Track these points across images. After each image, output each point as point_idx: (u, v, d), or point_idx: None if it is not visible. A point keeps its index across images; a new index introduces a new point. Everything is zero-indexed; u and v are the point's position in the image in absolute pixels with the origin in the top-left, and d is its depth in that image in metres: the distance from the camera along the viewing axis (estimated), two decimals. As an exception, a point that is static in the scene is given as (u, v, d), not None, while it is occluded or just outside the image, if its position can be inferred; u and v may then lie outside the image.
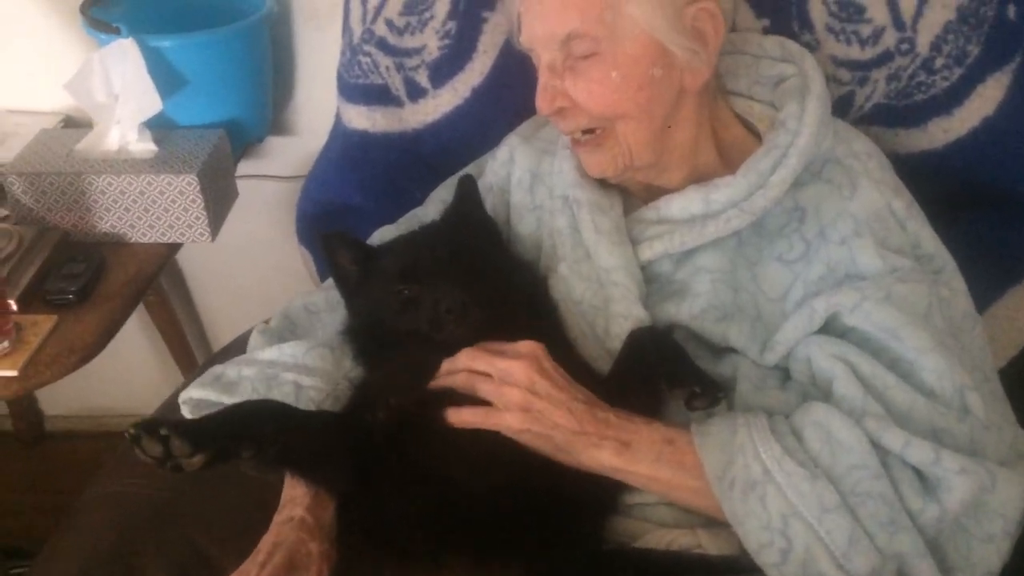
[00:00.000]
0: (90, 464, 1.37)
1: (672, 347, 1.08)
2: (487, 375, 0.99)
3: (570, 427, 0.98)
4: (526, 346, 1.00)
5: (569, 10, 1.05)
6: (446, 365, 1.01)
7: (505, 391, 0.98)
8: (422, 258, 1.08)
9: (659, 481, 0.99)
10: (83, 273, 1.43)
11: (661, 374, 1.04)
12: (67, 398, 2.19)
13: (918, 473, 0.94)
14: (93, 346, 1.35)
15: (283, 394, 1.08)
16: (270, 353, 1.13)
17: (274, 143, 1.81)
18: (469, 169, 1.34)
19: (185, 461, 0.86)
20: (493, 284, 1.06)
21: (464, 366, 1.00)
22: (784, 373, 1.08)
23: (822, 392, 1.02)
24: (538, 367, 0.99)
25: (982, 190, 1.31)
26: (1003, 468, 0.94)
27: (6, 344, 1.28)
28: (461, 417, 0.98)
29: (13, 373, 1.26)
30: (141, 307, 1.84)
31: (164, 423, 0.86)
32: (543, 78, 1.10)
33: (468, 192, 1.21)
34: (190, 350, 2.00)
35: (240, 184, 1.70)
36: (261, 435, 0.93)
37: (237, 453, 0.91)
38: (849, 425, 0.95)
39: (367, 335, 1.11)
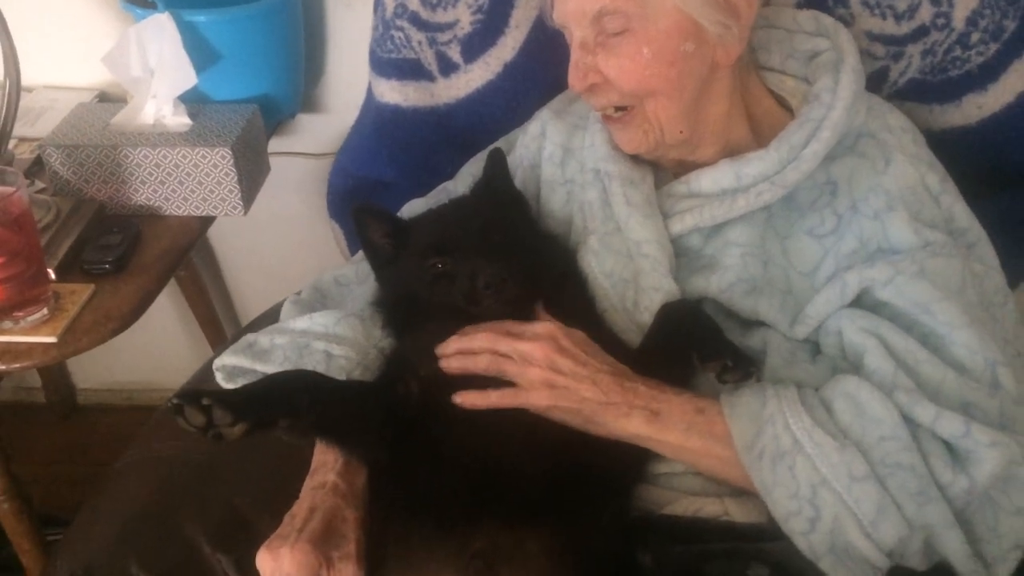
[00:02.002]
0: (121, 436, 1.39)
1: (704, 320, 1.08)
2: (508, 357, 1.00)
3: (597, 399, 0.99)
4: (542, 327, 1.02)
5: None
6: (458, 343, 1.02)
7: (528, 371, 0.99)
8: (455, 232, 1.09)
9: (689, 450, 1.00)
10: (119, 244, 1.45)
11: (693, 347, 1.04)
12: (99, 372, 2.22)
13: (948, 446, 0.94)
14: (129, 315, 1.37)
15: (314, 362, 1.09)
16: (302, 322, 1.15)
17: (305, 120, 1.82)
18: (499, 144, 1.34)
19: (227, 430, 0.88)
20: (525, 258, 1.07)
21: (484, 348, 1.01)
22: (814, 347, 1.08)
23: (853, 365, 1.02)
24: (556, 346, 1.00)
25: (1015, 168, 1.29)
26: None
27: (45, 312, 1.30)
28: (488, 399, 0.99)
29: (52, 340, 1.28)
30: (172, 282, 1.86)
31: (206, 393, 0.87)
32: (575, 55, 1.11)
33: (498, 166, 1.21)
34: (219, 325, 2.02)
35: (272, 160, 1.71)
36: (298, 405, 0.94)
37: (275, 422, 0.93)
38: (880, 397, 0.95)
39: (397, 307, 1.12)
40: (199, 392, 0.87)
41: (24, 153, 1.64)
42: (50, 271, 1.35)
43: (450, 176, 1.37)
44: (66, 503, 1.42)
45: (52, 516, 1.64)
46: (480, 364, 1.01)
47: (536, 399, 0.99)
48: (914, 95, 1.28)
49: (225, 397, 0.88)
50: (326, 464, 1.03)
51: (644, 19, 1.06)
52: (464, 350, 1.02)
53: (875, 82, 1.27)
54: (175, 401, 0.87)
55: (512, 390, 1.00)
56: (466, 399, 0.99)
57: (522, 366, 1.00)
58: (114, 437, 1.53)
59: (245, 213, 1.57)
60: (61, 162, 1.51)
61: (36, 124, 1.69)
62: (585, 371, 1.00)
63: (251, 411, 0.89)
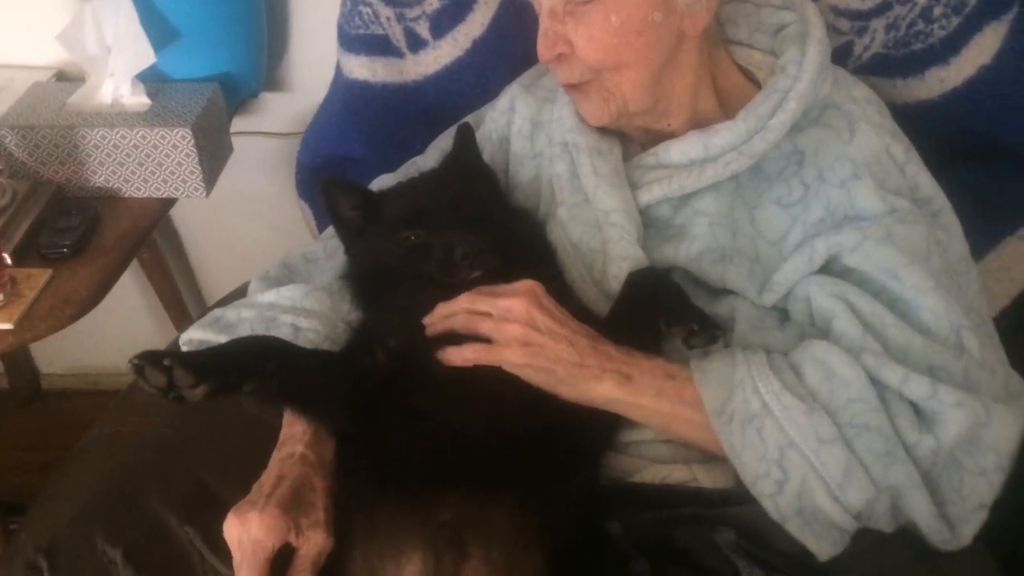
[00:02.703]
0: (86, 421, 1.37)
1: (671, 287, 1.08)
2: (487, 315, 1.00)
3: (571, 360, 0.99)
4: (524, 284, 1.01)
5: None
6: (442, 309, 1.01)
7: (505, 327, 0.98)
8: (427, 204, 1.08)
9: (659, 413, 1.00)
10: (77, 227, 1.43)
11: (660, 313, 1.04)
12: (63, 356, 2.19)
13: (915, 407, 0.95)
14: (88, 300, 1.36)
15: (281, 336, 1.08)
16: (269, 296, 1.14)
17: (269, 99, 1.80)
18: (468, 119, 1.33)
19: (188, 391, 0.87)
20: (495, 230, 1.06)
21: (463, 308, 1.01)
22: (782, 313, 1.09)
23: (821, 331, 1.03)
24: (537, 303, 1.00)
25: (978, 140, 1.31)
26: (998, 404, 0.96)
27: (0, 297, 1.28)
28: (463, 355, 0.98)
29: (8, 326, 1.26)
30: (136, 264, 1.84)
31: (168, 354, 0.86)
32: (544, 23, 1.10)
33: (466, 140, 1.21)
34: (185, 307, 2.00)
35: (234, 140, 1.69)
36: (262, 369, 0.93)
37: (239, 386, 0.92)
38: (848, 360, 0.96)
39: (367, 280, 1.12)
40: (161, 352, 0.86)
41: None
42: (6, 256, 1.33)
43: (420, 152, 1.36)
44: (32, 491, 1.39)
45: (15, 504, 1.62)
46: (456, 323, 1.00)
47: (511, 355, 0.98)
48: (879, 69, 1.29)
49: (187, 358, 0.87)
50: (294, 436, 1.02)
51: None
52: (446, 312, 1.01)
53: (840, 56, 1.28)
54: (136, 361, 0.85)
55: (487, 345, 0.99)
56: (444, 355, 0.99)
57: (499, 322, 0.99)
58: (79, 422, 1.50)
59: (207, 195, 1.55)
60: (16, 143, 1.48)
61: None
62: (563, 331, 1.00)
63: (214, 373, 0.88)
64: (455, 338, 1.00)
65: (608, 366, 0.99)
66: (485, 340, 0.99)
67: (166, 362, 0.85)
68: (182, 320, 1.96)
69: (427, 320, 1.02)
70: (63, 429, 1.96)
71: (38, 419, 2.16)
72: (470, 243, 1.01)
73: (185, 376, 0.86)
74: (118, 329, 1.99)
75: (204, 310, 2.03)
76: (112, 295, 1.41)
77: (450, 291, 1.02)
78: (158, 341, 2.00)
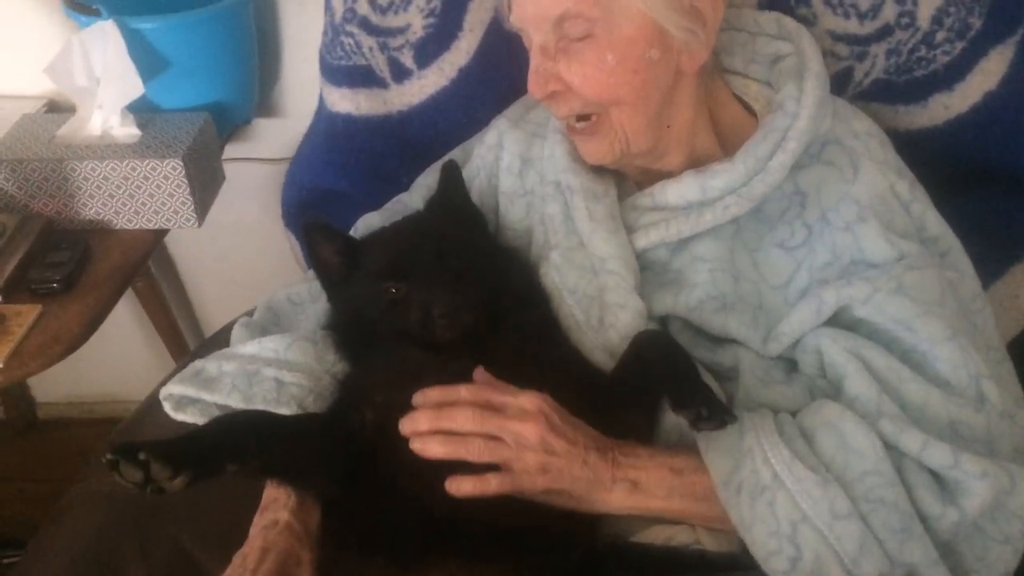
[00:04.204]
0: (82, 451, 1.37)
1: (679, 358, 1.04)
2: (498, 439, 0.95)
3: (587, 477, 0.96)
4: (531, 402, 0.96)
5: None
6: (439, 423, 0.94)
7: (524, 456, 0.94)
8: (409, 253, 1.06)
9: (671, 511, 0.99)
10: (68, 261, 1.41)
11: (666, 391, 1.01)
12: (59, 386, 2.19)
13: (936, 476, 0.92)
14: (79, 336, 1.33)
15: (264, 390, 1.06)
16: (251, 347, 1.12)
17: (261, 125, 1.79)
18: (456, 153, 1.32)
19: (167, 484, 0.85)
20: (482, 277, 1.04)
21: (472, 431, 0.94)
22: (788, 364, 1.06)
23: (832, 385, 1.00)
24: (548, 424, 0.95)
25: (983, 167, 1.28)
26: (1021, 468, 0.93)
27: (-11, 336, 1.26)
28: (486, 486, 0.93)
29: (-3, 365, 1.25)
30: (131, 293, 1.83)
31: (142, 447, 0.84)
32: (535, 60, 1.07)
33: (452, 179, 1.18)
34: (181, 336, 1.99)
35: (227, 167, 1.68)
36: (244, 449, 0.92)
37: (221, 469, 0.90)
38: (864, 429, 0.93)
39: (351, 331, 1.09)
40: (135, 445, 0.84)
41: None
42: (-5, 293, 1.31)
43: (405, 187, 1.35)
44: (28, 521, 1.38)
45: (10, 538, 1.61)
46: (472, 450, 0.94)
47: (530, 483, 0.95)
48: (879, 96, 1.27)
49: (163, 449, 0.85)
50: (277, 500, 0.99)
51: (608, 24, 1.02)
52: (447, 429, 0.95)
53: (839, 83, 1.25)
54: (109, 457, 0.83)
55: (508, 476, 0.94)
56: (460, 487, 0.93)
57: (517, 451, 0.94)
58: (75, 451, 1.49)
59: (199, 225, 1.54)
60: (6, 177, 1.47)
61: (-22, 136, 1.65)
62: (576, 450, 0.96)
63: (192, 461, 0.87)
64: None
65: (617, 475, 0.97)
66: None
67: (141, 456, 0.84)
68: (178, 347, 1.96)
69: (416, 401, 0.96)
70: (59, 458, 1.97)
71: (35, 448, 2.16)
72: (447, 302, 0.98)
73: (162, 469, 0.84)
74: (115, 358, 1.99)
75: (200, 337, 2.07)
76: (107, 323, 1.39)
77: (437, 350, 0.99)
78: (154, 368, 2.03)
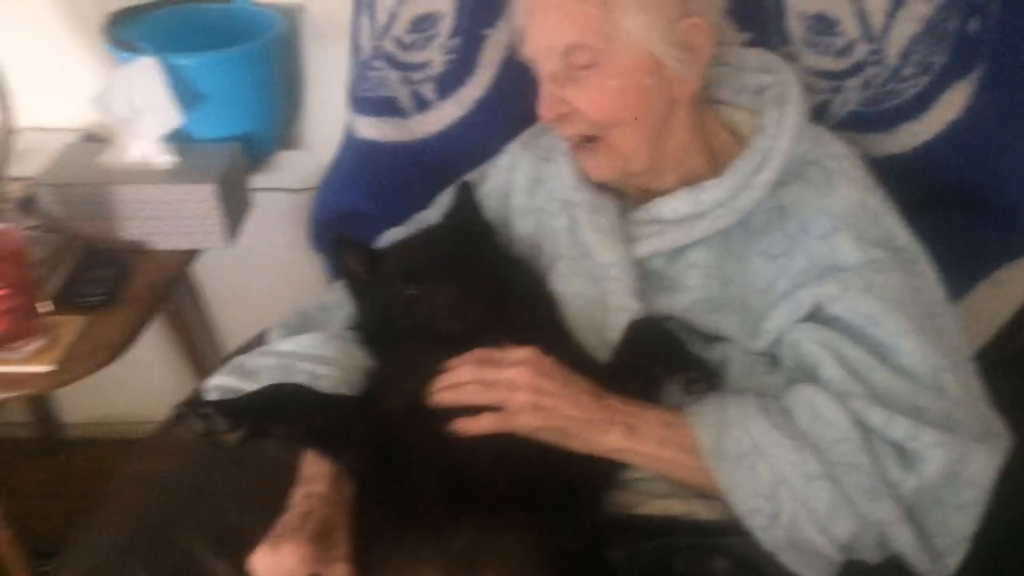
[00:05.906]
0: (106, 471, 1.43)
1: (669, 335, 1.16)
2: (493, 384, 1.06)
3: (580, 417, 1.05)
4: (523, 352, 1.07)
5: (570, 24, 1.13)
6: (447, 379, 1.07)
7: (515, 396, 1.04)
8: (421, 260, 1.18)
9: (661, 460, 1.07)
10: (109, 278, 1.50)
11: (659, 361, 1.12)
12: (84, 406, 2.24)
13: (898, 448, 1.01)
14: (120, 344, 1.43)
15: (299, 382, 1.14)
16: (288, 344, 1.20)
17: (283, 157, 1.87)
18: (472, 176, 1.41)
19: (223, 436, 0.95)
20: (490, 279, 1.15)
21: (470, 379, 1.06)
22: (772, 358, 1.16)
23: (808, 375, 1.09)
24: (539, 369, 1.06)
25: (948, 191, 1.38)
26: (975, 442, 1.02)
27: (43, 342, 1.35)
28: (479, 424, 1.04)
29: (51, 368, 1.34)
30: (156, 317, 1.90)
31: (207, 403, 0.95)
32: (545, 87, 1.18)
33: (465, 197, 1.30)
34: (203, 358, 2.05)
35: (252, 196, 1.76)
36: (292, 415, 1.02)
37: (269, 430, 1.00)
38: (834, 404, 1.03)
39: (374, 329, 1.20)
40: (200, 401, 0.95)
41: (12, 192, 1.68)
42: (48, 302, 1.40)
43: (426, 207, 1.44)
44: (55, 536, 1.44)
45: (46, 551, 1.66)
46: (468, 394, 1.06)
47: (525, 421, 1.04)
48: (855, 125, 1.36)
49: (223, 406, 0.96)
50: (317, 475, 1.08)
51: (610, 54, 1.13)
52: (451, 383, 1.07)
53: (819, 114, 1.35)
54: (178, 408, 0.94)
55: (502, 414, 1.04)
56: (460, 426, 1.04)
57: (510, 392, 1.05)
58: (99, 471, 1.55)
59: (229, 245, 1.63)
60: (53, 200, 1.56)
61: (22, 164, 1.73)
62: (567, 390, 1.06)
63: (248, 419, 0.97)
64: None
65: (615, 418, 1.06)
66: (495, 408, 1.05)
67: (205, 410, 0.94)
68: (201, 369, 2.01)
69: (433, 391, 1.08)
70: (85, 477, 2.01)
71: (61, 467, 2.21)
72: (452, 296, 1.10)
73: (222, 422, 0.95)
74: (139, 379, 2.04)
75: (222, 360, 2.10)
76: (134, 346, 1.46)
77: (451, 343, 1.09)
78: (178, 390, 2.02)
